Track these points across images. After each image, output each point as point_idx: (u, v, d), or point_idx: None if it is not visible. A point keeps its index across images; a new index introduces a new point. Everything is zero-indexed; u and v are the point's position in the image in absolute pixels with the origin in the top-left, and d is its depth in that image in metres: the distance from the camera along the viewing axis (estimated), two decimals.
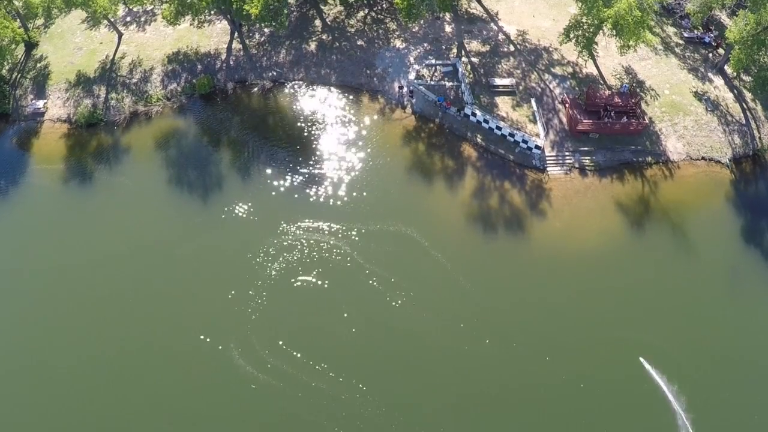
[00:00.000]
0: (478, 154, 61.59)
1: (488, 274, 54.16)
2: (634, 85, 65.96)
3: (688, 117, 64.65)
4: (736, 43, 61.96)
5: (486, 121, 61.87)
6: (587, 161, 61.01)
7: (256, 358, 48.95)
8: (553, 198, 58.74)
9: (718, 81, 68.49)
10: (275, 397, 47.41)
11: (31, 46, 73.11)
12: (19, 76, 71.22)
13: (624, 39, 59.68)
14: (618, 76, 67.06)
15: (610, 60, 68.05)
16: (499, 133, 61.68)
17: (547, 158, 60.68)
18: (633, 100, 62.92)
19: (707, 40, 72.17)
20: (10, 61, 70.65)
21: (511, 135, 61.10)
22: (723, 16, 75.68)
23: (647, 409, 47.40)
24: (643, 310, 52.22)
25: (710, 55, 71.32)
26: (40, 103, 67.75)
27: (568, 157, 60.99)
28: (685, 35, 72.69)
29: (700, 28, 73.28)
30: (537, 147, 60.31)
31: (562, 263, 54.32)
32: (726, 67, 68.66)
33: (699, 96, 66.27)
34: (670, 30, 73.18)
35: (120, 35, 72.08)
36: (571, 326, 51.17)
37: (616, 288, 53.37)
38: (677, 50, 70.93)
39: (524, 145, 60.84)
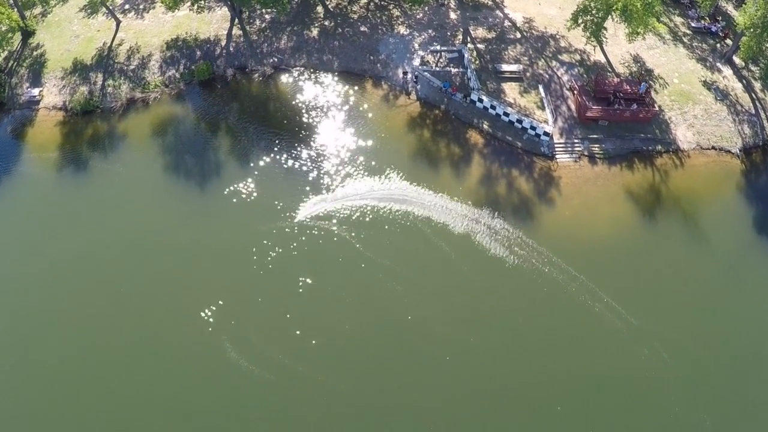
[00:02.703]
0: (484, 140, 57.89)
1: (494, 264, 50.24)
2: (643, 73, 62.64)
3: (697, 106, 61.31)
4: (746, 29, 59.14)
5: (493, 107, 58.29)
6: (596, 149, 57.42)
7: (251, 350, 45.10)
8: (563, 186, 55.08)
9: (727, 71, 65.24)
10: (271, 391, 43.54)
11: (27, 34, 69.55)
12: (15, 64, 67.62)
13: (632, 26, 56.72)
14: (626, 64, 63.73)
15: (618, 48, 64.73)
16: (506, 119, 58.08)
17: (555, 145, 57.09)
18: (642, 83, 59.52)
19: (714, 30, 69.08)
20: (6, 49, 66.99)
21: (519, 121, 57.51)
22: (729, 7, 72.66)
23: (656, 410, 43.75)
24: (655, 299, 48.55)
25: (718, 45, 68.15)
26: (36, 91, 64.14)
27: (577, 145, 57.41)
28: (693, 25, 69.58)
29: (707, 18, 70.31)
30: (545, 134, 56.74)
31: (572, 252, 50.49)
32: (734, 57, 65.68)
33: (708, 85, 62.99)
34: (677, 20, 69.99)
35: (118, 23, 68.57)
36: (582, 318, 47.37)
37: (627, 277, 49.66)
38: (685, 40, 67.68)
39: (532, 132, 57.25)
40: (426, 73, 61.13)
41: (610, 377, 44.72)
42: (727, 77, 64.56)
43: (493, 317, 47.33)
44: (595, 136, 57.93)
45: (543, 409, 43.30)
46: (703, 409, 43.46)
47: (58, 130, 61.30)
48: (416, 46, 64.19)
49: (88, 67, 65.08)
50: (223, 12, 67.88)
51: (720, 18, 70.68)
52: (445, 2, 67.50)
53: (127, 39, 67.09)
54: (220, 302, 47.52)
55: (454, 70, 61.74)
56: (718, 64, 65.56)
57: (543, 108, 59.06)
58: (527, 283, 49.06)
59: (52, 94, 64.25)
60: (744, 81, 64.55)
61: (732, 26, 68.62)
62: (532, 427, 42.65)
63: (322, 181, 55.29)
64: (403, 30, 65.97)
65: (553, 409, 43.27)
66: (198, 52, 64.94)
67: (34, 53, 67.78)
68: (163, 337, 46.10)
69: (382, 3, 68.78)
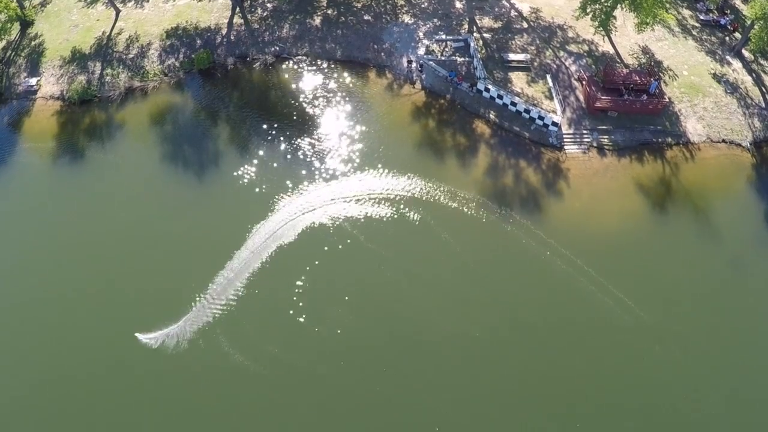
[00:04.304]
0: (491, 131, 55.16)
1: (500, 257, 47.55)
2: (652, 65, 60.04)
3: (707, 98, 58.64)
4: (757, 20, 56.79)
5: (500, 97, 55.55)
6: (605, 140, 54.69)
7: (247, 343, 42.35)
8: (571, 178, 52.32)
9: (736, 64, 62.56)
10: (267, 385, 40.87)
11: (26, 24, 67.18)
12: (13, 54, 65.11)
13: (641, 16, 54.53)
14: (635, 55, 61.07)
15: (627, 39, 62.09)
16: (513, 109, 55.35)
17: (564, 136, 54.36)
18: (652, 79, 56.87)
19: (723, 22, 66.45)
20: (4, 39, 64.86)
21: (527, 111, 54.77)
22: (737, 1, 70.04)
23: (667, 407, 40.94)
24: (665, 294, 45.85)
25: (727, 38, 65.54)
26: (33, 81, 61.64)
27: (585, 136, 54.68)
28: (701, 18, 66.99)
29: (716, 11, 67.80)
30: (554, 124, 54.01)
31: (581, 245, 47.73)
32: (743, 50, 63.15)
33: (717, 78, 60.34)
34: (686, 12, 67.36)
35: (117, 12, 66.09)
36: (591, 313, 44.59)
37: (638, 271, 46.89)
38: (694, 32, 65.05)
39: (540, 122, 54.52)
40: (431, 62, 58.42)
41: (618, 373, 42.04)
42: (736, 70, 61.94)
43: (499, 311, 44.61)
44: (604, 127, 55.23)
45: (549, 405, 40.58)
46: (716, 407, 40.85)
47: (55, 120, 58.86)
48: (421, 35, 61.58)
49: (86, 56, 62.59)
50: (224, 0, 65.35)
51: (728, 11, 68.11)
52: None
53: (126, 28, 64.57)
54: (215, 294, 44.82)
55: (459, 60, 59.04)
56: (728, 57, 62.97)
57: (551, 98, 56.31)
58: (534, 277, 46.38)
59: (49, 83, 61.78)
60: (754, 74, 61.95)
61: (741, 19, 66.22)
62: (538, 424, 39.86)
63: (323, 171, 52.57)
64: (407, 19, 63.42)
65: (560, 405, 40.58)
66: (198, 41, 62.34)
67: (33, 43, 65.33)
68: (157, 328, 43.41)
69: None
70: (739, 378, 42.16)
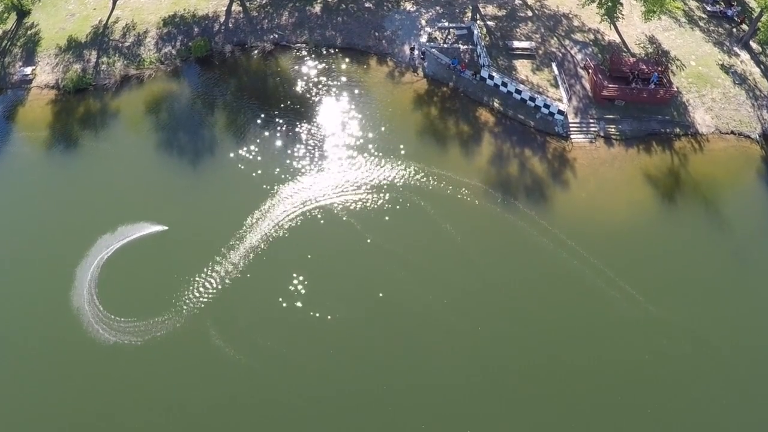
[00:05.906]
0: (495, 119, 52.69)
1: (503, 248, 45.16)
2: (659, 53, 57.77)
3: (715, 89, 56.28)
4: (765, 9, 54.64)
5: (504, 85, 53.13)
6: (613, 130, 52.30)
7: (239, 337, 39.94)
8: (578, 167, 49.91)
9: (744, 55, 60.22)
10: (260, 380, 38.43)
11: (23, 13, 64.93)
12: (8, 43, 62.92)
13: (647, 5, 52.70)
14: (641, 45, 58.75)
15: (633, 29, 59.76)
16: (518, 97, 52.91)
17: (570, 125, 52.00)
18: (659, 68, 54.58)
19: (730, 14, 64.18)
20: (0, 28, 62.81)
21: (532, 99, 52.36)
22: None
23: (675, 403, 38.65)
24: (674, 287, 43.55)
25: (734, 30, 63.25)
26: (28, 70, 59.32)
27: (592, 125, 52.28)
28: (708, 8, 64.69)
29: (722, 2, 65.56)
30: (560, 112, 51.59)
31: (587, 236, 45.37)
32: (751, 42, 60.88)
33: (725, 69, 57.99)
34: (693, 3, 65.05)
35: (114, 0, 63.76)
36: (597, 306, 42.25)
37: (646, 264, 44.54)
38: (701, 23, 62.74)
39: (546, 110, 52.10)
40: (433, 50, 56.03)
41: (626, 369, 39.63)
42: (744, 61, 59.61)
43: (502, 304, 42.20)
44: (611, 116, 52.85)
45: (552, 401, 38.21)
46: (726, 404, 38.52)
47: (50, 109, 56.50)
48: (423, 22, 59.21)
49: (82, 44, 60.31)
50: None
51: (735, 2, 65.87)
52: None
53: (123, 16, 62.32)
54: (210, 285, 42.43)
55: (463, 47, 56.62)
56: (735, 48, 60.64)
57: (556, 86, 53.93)
58: (539, 269, 43.98)
59: (45, 72, 59.46)
60: (762, 66, 59.63)
61: (748, 12, 63.97)
62: (544, 421, 37.51)
63: (322, 160, 50.18)
64: (409, 6, 61.08)
65: (563, 401, 38.26)
66: (196, 29, 60.01)
67: (29, 32, 63.14)
68: (149, 322, 41.03)
69: None
70: (751, 373, 39.78)
